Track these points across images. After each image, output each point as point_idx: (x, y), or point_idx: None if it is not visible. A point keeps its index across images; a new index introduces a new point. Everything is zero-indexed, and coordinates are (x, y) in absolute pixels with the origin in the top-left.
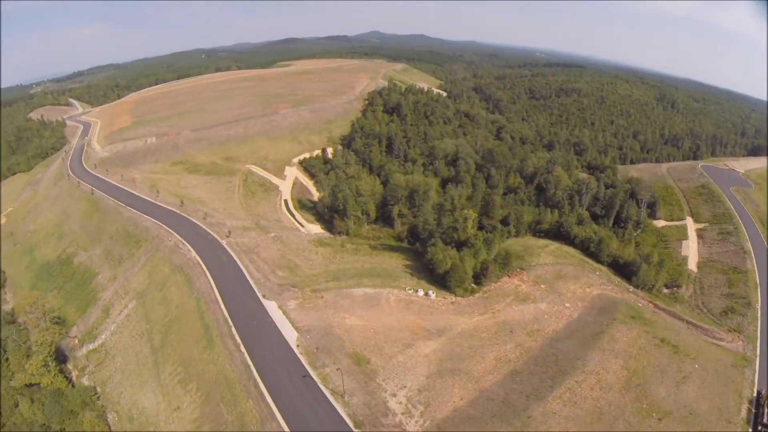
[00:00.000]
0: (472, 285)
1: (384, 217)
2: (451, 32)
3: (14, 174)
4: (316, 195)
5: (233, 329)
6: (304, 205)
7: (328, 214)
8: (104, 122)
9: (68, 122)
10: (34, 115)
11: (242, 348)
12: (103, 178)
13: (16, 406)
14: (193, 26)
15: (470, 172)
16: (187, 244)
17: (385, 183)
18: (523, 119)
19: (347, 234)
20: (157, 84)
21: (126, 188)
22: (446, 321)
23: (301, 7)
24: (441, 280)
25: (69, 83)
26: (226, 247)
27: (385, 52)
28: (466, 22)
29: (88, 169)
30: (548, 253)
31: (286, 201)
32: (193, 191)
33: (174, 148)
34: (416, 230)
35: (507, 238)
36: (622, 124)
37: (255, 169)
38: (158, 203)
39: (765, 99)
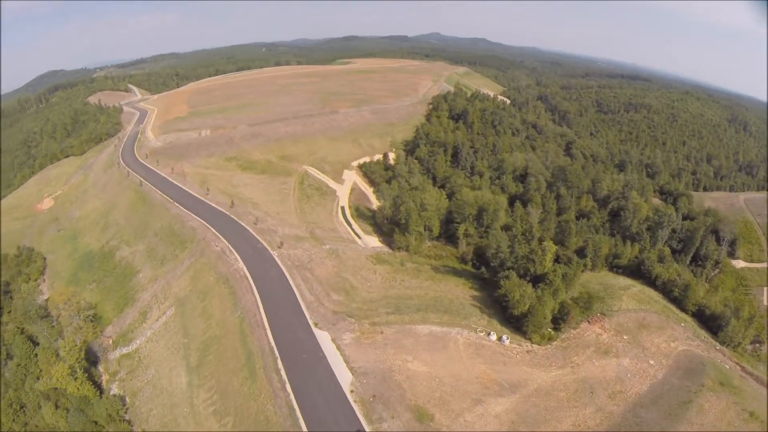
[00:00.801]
0: (550, 330)
1: (447, 235)
2: (512, 38)
3: (67, 157)
4: (375, 203)
5: (279, 362)
6: (362, 213)
7: (388, 226)
8: (161, 110)
9: (125, 108)
10: (93, 99)
11: (288, 387)
12: (154, 169)
13: (40, 407)
14: (254, 20)
15: (541, 191)
16: (235, 252)
17: (450, 196)
18: (591, 134)
19: (407, 250)
20: (216, 75)
21: (176, 182)
22: (521, 374)
23: (363, 5)
24: (515, 321)
25: (131, 69)
26: (276, 259)
27: (446, 54)
28: (526, 28)
29: (140, 159)
30: (630, 296)
31: (343, 208)
32: (245, 191)
33: (229, 142)
34: (482, 252)
35: (582, 271)
36: (694, 146)
37: (312, 170)
38: (208, 202)
39: None
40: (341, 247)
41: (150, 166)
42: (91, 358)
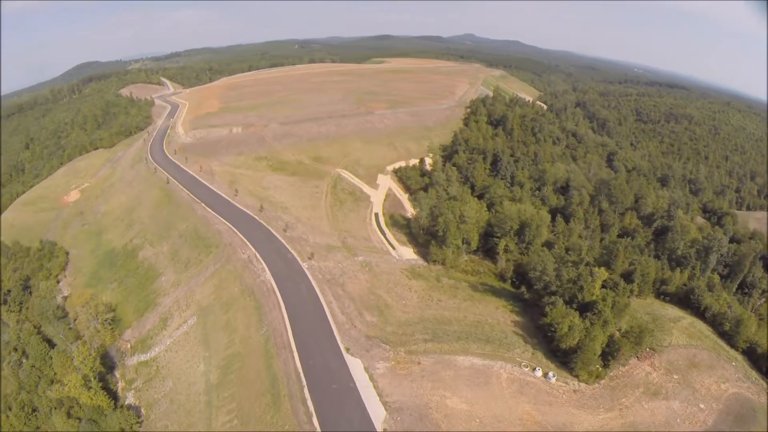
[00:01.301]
0: (599, 367)
1: (485, 248)
2: (546, 41)
3: (96, 149)
4: (410, 211)
5: (306, 391)
6: (397, 221)
7: (424, 237)
8: (192, 105)
9: (157, 101)
10: (125, 92)
11: (315, 420)
12: (182, 166)
13: (52, 413)
14: (289, 17)
15: (583, 206)
16: (263, 262)
17: (489, 207)
18: (631, 144)
19: (443, 264)
20: (249, 71)
21: (203, 181)
22: (567, 416)
23: (397, 5)
24: (561, 355)
25: (165, 63)
26: (306, 272)
27: (480, 56)
28: (560, 31)
29: (168, 155)
30: (680, 330)
31: (377, 215)
32: (275, 194)
33: (260, 141)
34: (523, 270)
35: (628, 297)
36: (737, 162)
37: (345, 174)
38: (236, 204)
39: None
40: (375, 259)
41: (178, 163)
42: (108, 363)
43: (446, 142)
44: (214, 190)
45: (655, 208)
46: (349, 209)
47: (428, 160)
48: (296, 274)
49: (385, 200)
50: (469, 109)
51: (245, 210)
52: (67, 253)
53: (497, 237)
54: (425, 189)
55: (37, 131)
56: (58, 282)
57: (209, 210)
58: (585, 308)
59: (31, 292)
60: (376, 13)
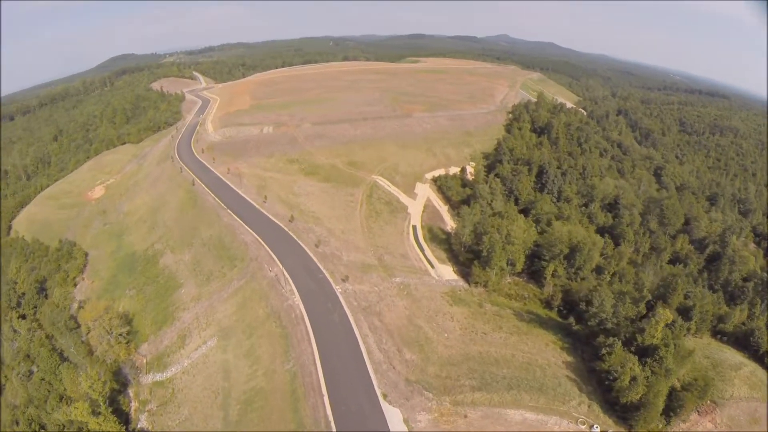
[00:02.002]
0: (661, 425)
1: (530, 270)
2: (581, 43)
3: (123, 144)
4: (450, 224)
5: None
6: (436, 236)
7: (465, 255)
8: (223, 101)
9: (187, 96)
10: (156, 86)
11: None
12: (209, 166)
13: None
14: (323, 14)
15: (633, 227)
16: (291, 283)
17: (536, 222)
18: (677, 157)
19: (485, 286)
20: (282, 67)
21: (231, 184)
22: None
23: (430, 5)
24: (620, 409)
25: (199, 57)
26: (340, 297)
27: (516, 58)
28: (596, 34)
29: (195, 153)
30: (741, 380)
31: (414, 228)
32: (306, 201)
33: (291, 142)
34: (571, 297)
35: (683, 335)
36: None
37: (381, 181)
38: (264, 212)
39: None
40: (413, 280)
41: (205, 163)
42: (121, 380)
43: (488, 150)
44: (242, 194)
45: (708, 232)
46: (386, 221)
47: (469, 169)
48: (328, 299)
49: (423, 212)
50: (511, 115)
51: (274, 219)
52: (86, 255)
53: (545, 260)
54: (466, 201)
55: (66, 123)
56: (75, 285)
57: (235, 217)
58: (644, 352)
59: (46, 295)
60: (410, 12)
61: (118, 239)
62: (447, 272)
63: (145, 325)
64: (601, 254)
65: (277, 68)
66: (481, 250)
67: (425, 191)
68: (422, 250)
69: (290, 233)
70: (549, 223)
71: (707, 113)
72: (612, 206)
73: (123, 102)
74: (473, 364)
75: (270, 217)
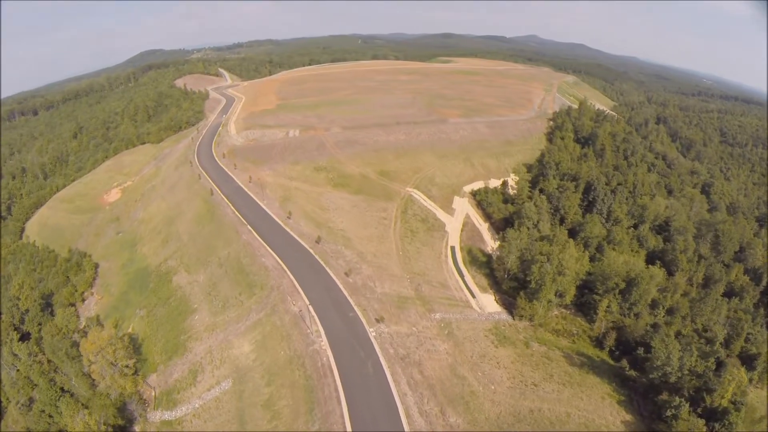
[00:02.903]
0: None
1: (579, 302)
2: (611, 45)
3: (143, 144)
4: (490, 244)
5: None
6: (476, 258)
7: (509, 283)
8: (248, 99)
9: (212, 94)
10: (180, 83)
11: None
12: (230, 173)
13: None
14: (353, 12)
15: (687, 253)
16: (318, 321)
17: (585, 245)
18: (721, 171)
19: (531, 320)
20: (310, 65)
21: (252, 195)
22: None
23: (460, 4)
24: None
25: (226, 53)
26: (374, 342)
27: (547, 59)
28: (626, 35)
29: (216, 158)
30: None
31: (453, 249)
32: (335, 217)
33: (319, 148)
34: (624, 334)
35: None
36: None
37: (417, 195)
38: (288, 230)
39: None
40: (455, 316)
41: (226, 169)
42: (127, 415)
43: (529, 161)
44: (264, 208)
45: (765, 262)
46: (422, 242)
47: (511, 182)
48: (361, 345)
49: (462, 230)
50: (552, 123)
51: (299, 240)
52: (97, 266)
53: (597, 294)
54: (509, 220)
55: (87, 120)
56: (83, 300)
57: (256, 235)
58: (712, 413)
59: (52, 312)
60: (439, 11)
61: (130, 250)
62: (489, 303)
63: (154, 353)
64: (659, 290)
65: (305, 66)
66: (528, 280)
67: (463, 206)
68: (462, 276)
69: (317, 258)
70: (599, 249)
71: (749, 123)
72: (662, 228)
73: (145, 99)
74: (525, 426)
75: (295, 236)
